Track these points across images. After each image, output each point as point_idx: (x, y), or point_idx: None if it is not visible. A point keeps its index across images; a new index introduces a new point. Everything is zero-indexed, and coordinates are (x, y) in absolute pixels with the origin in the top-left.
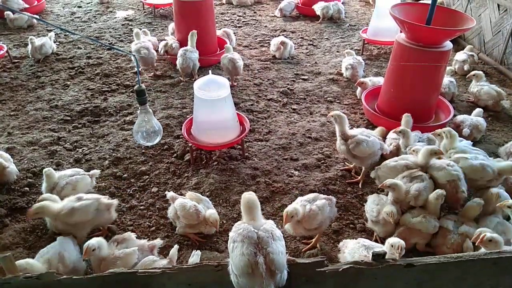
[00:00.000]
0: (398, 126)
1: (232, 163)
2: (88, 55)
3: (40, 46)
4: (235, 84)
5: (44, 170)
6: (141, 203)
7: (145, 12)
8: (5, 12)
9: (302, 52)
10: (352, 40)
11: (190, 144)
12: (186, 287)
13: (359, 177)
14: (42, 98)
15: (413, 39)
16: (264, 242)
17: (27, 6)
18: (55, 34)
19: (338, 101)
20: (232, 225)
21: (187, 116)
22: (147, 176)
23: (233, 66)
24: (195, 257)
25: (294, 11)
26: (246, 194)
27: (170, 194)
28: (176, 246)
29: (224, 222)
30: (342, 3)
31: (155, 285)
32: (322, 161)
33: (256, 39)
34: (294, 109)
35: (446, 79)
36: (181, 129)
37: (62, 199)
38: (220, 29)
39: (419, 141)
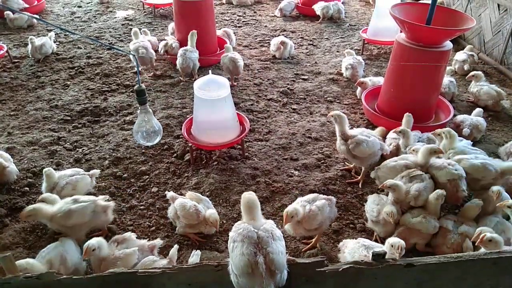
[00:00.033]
0: (398, 126)
1: (232, 163)
2: (88, 55)
3: (40, 46)
4: (235, 84)
5: (44, 170)
6: (141, 203)
7: (145, 12)
8: (5, 12)
9: (302, 52)
10: (352, 40)
11: (190, 144)
12: (186, 287)
13: (359, 177)
14: (42, 98)
15: (413, 39)
16: (264, 242)
17: (27, 6)
18: (55, 34)
19: (338, 101)
20: (232, 225)
21: (187, 116)
22: (147, 176)
23: (234, 65)
24: (195, 257)
25: (294, 11)
26: (246, 194)
27: (170, 194)
28: (176, 246)
29: (224, 222)
30: (342, 3)
31: (155, 285)
32: (322, 161)
33: (256, 39)
34: (294, 109)
35: (446, 79)
36: (181, 129)
37: (62, 199)
38: (220, 29)
39: (418, 141)
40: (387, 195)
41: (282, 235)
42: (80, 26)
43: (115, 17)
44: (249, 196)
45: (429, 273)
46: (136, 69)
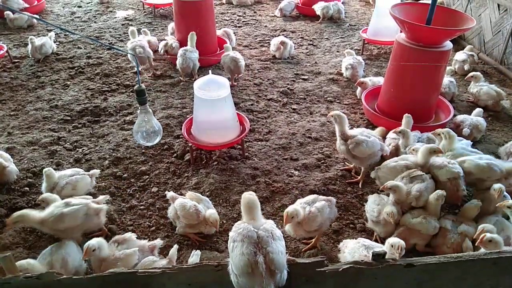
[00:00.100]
0: (398, 126)
1: (232, 163)
2: (88, 55)
3: (40, 46)
4: (235, 84)
5: (44, 170)
6: (141, 203)
7: (145, 12)
8: (5, 12)
9: (302, 52)
10: (352, 40)
11: (190, 144)
12: (186, 287)
13: (359, 177)
14: (42, 98)
15: (413, 39)
16: (264, 242)
17: (27, 6)
18: (55, 34)
19: (338, 101)
20: (232, 225)
21: (187, 116)
22: (147, 176)
23: (236, 65)
24: (195, 257)
25: (294, 11)
26: (246, 194)
27: (170, 194)
28: (175, 246)
29: (224, 222)
30: (342, 3)
31: (155, 285)
32: (322, 161)
33: (256, 39)
34: (294, 109)
35: (446, 79)
36: (181, 129)
37: (62, 198)
38: (220, 29)
39: (418, 141)
40: (388, 195)
41: (282, 235)
42: (80, 26)
43: (115, 17)
44: (249, 196)
45: (429, 273)
46: (136, 69)
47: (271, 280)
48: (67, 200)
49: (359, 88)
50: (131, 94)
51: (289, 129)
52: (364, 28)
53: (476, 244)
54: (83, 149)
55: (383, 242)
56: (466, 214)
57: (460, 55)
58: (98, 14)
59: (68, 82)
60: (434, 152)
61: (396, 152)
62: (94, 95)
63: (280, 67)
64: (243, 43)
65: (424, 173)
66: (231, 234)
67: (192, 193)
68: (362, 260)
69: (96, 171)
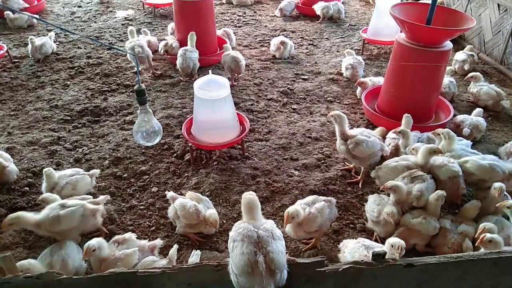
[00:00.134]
0: (398, 126)
1: (232, 163)
2: (88, 55)
3: (40, 46)
4: (235, 84)
5: (44, 170)
6: (141, 203)
7: (145, 12)
8: (5, 12)
9: (302, 52)
10: (352, 40)
11: (190, 144)
12: (186, 287)
13: (359, 177)
14: (42, 98)
15: (413, 39)
16: (264, 241)
17: (27, 5)
18: (55, 34)
19: (338, 101)
20: (232, 225)
21: (187, 116)
22: (147, 176)
23: (236, 64)
24: (195, 257)
25: (294, 11)
26: (246, 194)
27: (170, 194)
28: (175, 246)
29: (224, 222)
30: (342, 3)
31: (155, 285)
32: (322, 161)
33: (256, 39)
34: (294, 109)
35: (446, 79)
36: (181, 129)
37: (62, 198)
38: (220, 28)
39: (418, 141)
40: (388, 195)
41: (282, 235)
42: (80, 26)
43: (115, 17)
44: (249, 196)
45: (429, 273)
46: (136, 69)
47: (271, 279)
48: (62, 201)
49: (359, 88)
50: (131, 94)
51: (289, 129)
52: (364, 28)
53: (476, 244)
54: (83, 149)
55: (383, 242)
56: (466, 214)
57: (460, 55)
58: (98, 14)
59: (68, 82)
60: (434, 153)
61: (396, 152)
62: (94, 95)
63: (280, 67)
64: (243, 43)
65: (424, 173)
66: (231, 234)
67: (192, 193)
68: (362, 260)
69: (96, 171)
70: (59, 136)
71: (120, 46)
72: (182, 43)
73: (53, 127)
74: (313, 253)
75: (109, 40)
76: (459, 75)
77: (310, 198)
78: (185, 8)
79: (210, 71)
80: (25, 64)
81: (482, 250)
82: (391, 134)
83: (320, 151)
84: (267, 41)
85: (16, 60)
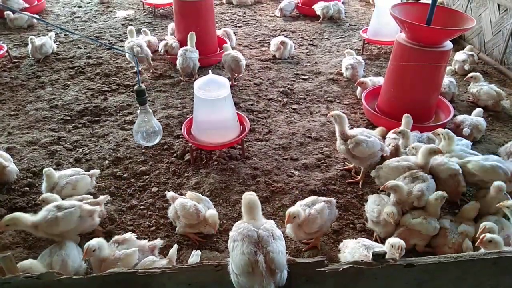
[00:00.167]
0: (398, 126)
1: (232, 163)
2: (88, 55)
3: (40, 45)
4: (235, 83)
5: (44, 170)
6: (141, 203)
7: (145, 12)
8: (5, 12)
9: (302, 52)
10: (352, 40)
11: (190, 144)
12: (186, 287)
13: (359, 177)
14: (42, 98)
15: (413, 39)
16: (264, 241)
17: (27, 5)
18: (55, 34)
19: (338, 101)
20: (232, 225)
21: (187, 116)
22: (147, 176)
23: (236, 64)
24: (195, 257)
25: (294, 11)
26: (247, 194)
27: (170, 194)
28: (175, 246)
29: (224, 222)
30: (342, 3)
31: (155, 285)
32: (322, 161)
33: (256, 39)
34: (294, 109)
35: (446, 79)
36: (181, 129)
37: (62, 198)
38: (220, 28)
39: (418, 141)
40: (388, 195)
41: (282, 235)
42: (80, 26)
43: (115, 17)
44: (250, 196)
45: (429, 273)
46: (136, 69)
47: (271, 279)
48: (58, 203)
49: (359, 88)
50: (131, 94)
51: (289, 129)
52: (364, 28)
53: (476, 245)
54: (83, 149)
55: (383, 242)
56: (465, 215)
57: (460, 55)
58: (98, 14)
59: (68, 82)
60: (434, 153)
61: (396, 152)
62: (94, 95)
63: (280, 67)
64: (243, 43)
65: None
66: (231, 233)
67: (192, 193)
68: (362, 260)
69: (96, 171)
70: (59, 136)
71: (120, 46)
72: (182, 43)
73: (53, 127)
74: (313, 253)
75: (109, 40)
76: (459, 75)
77: (310, 199)
78: (185, 8)
79: (210, 71)
80: (25, 64)
81: (482, 250)
82: (391, 134)
83: (320, 151)
84: (267, 41)
85: (16, 60)
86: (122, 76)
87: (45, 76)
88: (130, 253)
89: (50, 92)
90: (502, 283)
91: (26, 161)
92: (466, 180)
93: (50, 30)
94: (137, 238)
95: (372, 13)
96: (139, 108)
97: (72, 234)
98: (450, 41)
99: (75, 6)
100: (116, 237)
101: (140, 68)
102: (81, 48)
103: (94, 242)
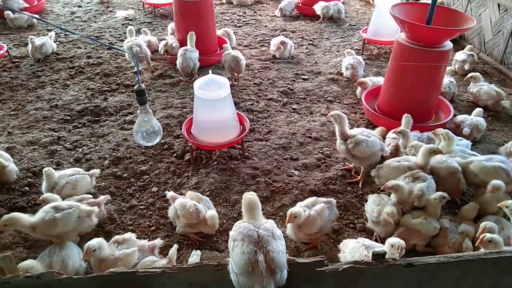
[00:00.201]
0: (398, 126)
1: (232, 162)
2: (88, 54)
3: (40, 45)
4: (235, 83)
5: (44, 169)
6: (141, 203)
7: (145, 11)
8: (5, 12)
9: (302, 52)
10: (352, 40)
11: (190, 144)
12: (186, 286)
13: (359, 177)
14: (42, 98)
15: (414, 39)
16: (264, 241)
17: (27, 5)
18: (55, 34)
19: (338, 100)
20: (232, 225)
21: (187, 116)
22: (147, 176)
23: (237, 64)
24: (195, 256)
25: (294, 11)
26: (247, 194)
27: (170, 193)
28: (175, 246)
29: (224, 221)
30: (342, 3)
31: (155, 285)
32: (322, 161)
33: (256, 38)
34: (294, 108)
35: (446, 79)
36: (181, 128)
37: (62, 198)
38: (220, 28)
39: (418, 141)
40: (388, 195)
41: (282, 235)
42: (80, 26)
43: (115, 17)
44: (250, 196)
45: (429, 273)
46: (135, 68)
47: (271, 279)
48: (55, 204)
49: (359, 88)
50: (131, 94)
51: (289, 129)
52: (364, 28)
53: (476, 244)
54: (83, 149)
55: (383, 242)
56: (465, 216)
57: (460, 55)
58: (98, 14)
59: (68, 82)
60: (434, 153)
61: (396, 152)
62: (94, 95)
63: (280, 67)
64: (243, 43)
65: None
66: (231, 233)
67: (192, 193)
68: (362, 260)
69: (96, 171)
70: (59, 136)
71: (120, 46)
72: (182, 43)
73: (53, 127)
74: (313, 253)
75: (109, 40)
76: (459, 75)
77: (310, 200)
78: (185, 8)
79: (210, 71)
80: (25, 64)
81: (482, 250)
82: (391, 134)
83: (320, 151)
84: (267, 41)
85: (16, 60)
86: (122, 76)
87: (45, 76)
88: (130, 253)
89: (50, 92)
90: (502, 283)
91: (26, 161)
92: (468, 180)
93: (50, 30)
94: (137, 238)
95: (372, 13)
96: (139, 108)
97: (70, 235)
98: (450, 41)
99: (75, 6)
100: (116, 237)
101: (140, 68)
102: (81, 48)
103: (94, 242)
